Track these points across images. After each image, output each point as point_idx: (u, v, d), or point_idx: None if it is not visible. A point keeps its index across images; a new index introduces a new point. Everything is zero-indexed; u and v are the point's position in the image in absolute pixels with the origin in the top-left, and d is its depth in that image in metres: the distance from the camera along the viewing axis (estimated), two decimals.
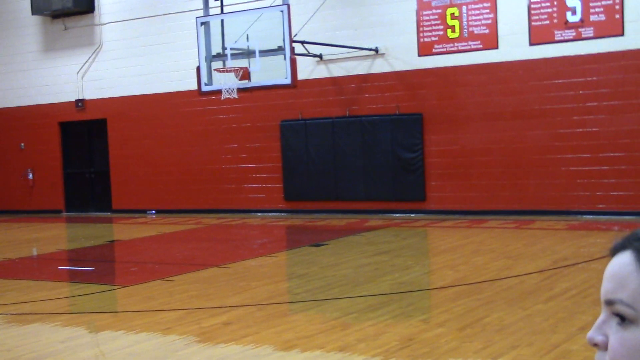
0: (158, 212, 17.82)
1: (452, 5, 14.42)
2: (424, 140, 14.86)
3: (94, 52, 18.55)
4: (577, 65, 13.47)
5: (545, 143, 13.80)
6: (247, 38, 13.41)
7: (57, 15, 18.71)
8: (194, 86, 16.13)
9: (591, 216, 13.39)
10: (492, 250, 10.48)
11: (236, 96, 14.13)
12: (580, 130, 13.52)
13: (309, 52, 15.14)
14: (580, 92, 13.48)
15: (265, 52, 13.27)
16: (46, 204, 19.48)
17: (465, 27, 14.32)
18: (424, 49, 14.74)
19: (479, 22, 14.20)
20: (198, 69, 13.91)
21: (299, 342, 6.06)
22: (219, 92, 14.65)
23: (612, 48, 13.15)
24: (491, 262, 9.43)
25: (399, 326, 6.45)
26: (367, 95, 15.36)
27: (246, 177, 16.80)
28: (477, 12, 14.20)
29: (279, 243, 13.32)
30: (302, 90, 15.69)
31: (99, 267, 11.04)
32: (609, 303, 1.21)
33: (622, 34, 13.05)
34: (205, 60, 14.08)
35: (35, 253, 12.88)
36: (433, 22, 14.61)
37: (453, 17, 14.40)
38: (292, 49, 13.69)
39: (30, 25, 19.34)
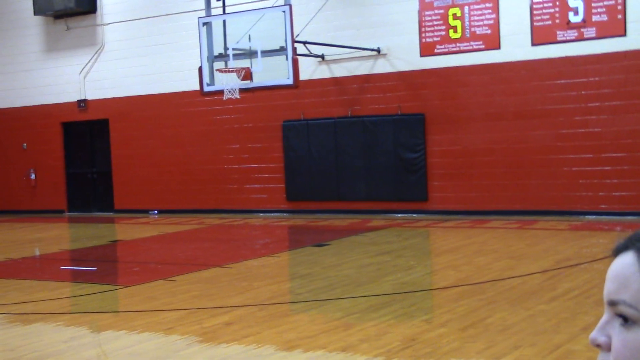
0: (160, 212, 17.83)
1: (454, 6, 14.41)
2: (426, 141, 14.85)
3: (96, 53, 18.56)
4: (579, 65, 13.47)
5: (548, 143, 13.79)
6: (249, 38, 13.42)
7: (60, 15, 18.73)
8: (196, 86, 16.13)
9: (593, 216, 13.38)
10: (494, 250, 10.48)
11: (238, 96, 14.13)
12: (583, 130, 13.51)
13: (311, 53, 15.15)
14: (583, 92, 13.47)
15: (267, 53, 13.28)
16: (48, 204, 19.50)
17: (468, 27, 14.32)
18: (426, 49, 14.74)
19: (481, 23, 14.19)
20: (200, 69, 13.92)
21: (301, 342, 6.07)
22: (221, 92, 14.66)
23: (615, 48, 13.14)
24: (494, 263, 9.43)
25: (401, 326, 6.45)
26: (369, 96, 15.36)
27: (248, 177, 16.81)
28: (479, 12, 14.20)
29: (281, 243, 13.32)
30: (304, 91, 15.69)
31: (102, 267, 11.05)
32: (612, 304, 1.21)
33: (625, 35, 13.04)
34: (208, 61, 14.09)
35: (37, 253, 12.89)
36: (435, 23, 14.60)
37: (455, 17, 14.40)
38: (294, 49, 13.69)
39: (33, 25, 19.35)
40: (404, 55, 14.95)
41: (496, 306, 7.00)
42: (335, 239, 12.35)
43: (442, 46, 14.56)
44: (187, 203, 17.55)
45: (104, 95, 18.49)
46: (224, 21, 13.83)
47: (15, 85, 19.85)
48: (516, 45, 13.94)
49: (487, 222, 13.47)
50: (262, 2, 15.18)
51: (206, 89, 14.64)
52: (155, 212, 17.86)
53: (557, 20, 13.55)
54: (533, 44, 13.79)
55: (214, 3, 13.83)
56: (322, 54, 15.56)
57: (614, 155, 13.31)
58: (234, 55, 13.63)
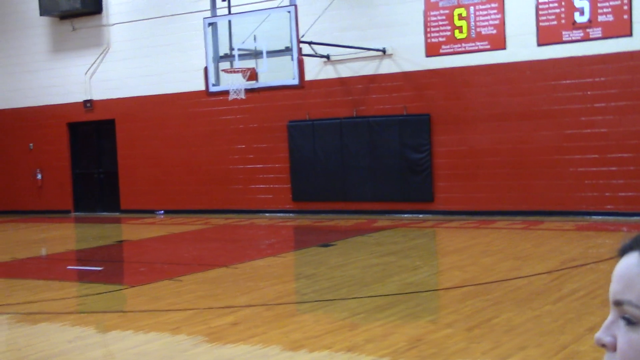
0: (166, 212, 17.86)
1: (459, 6, 14.41)
2: (432, 141, 14.85)
3: (102, 53, 18.60)
4: (585, 65, 13.45)
5: (553, 144, 13.77)
6: (255, 39, 13.43)
7: (65, 16, 18.78)
8: (201, 87, 16.14)
9: (599, 217, 13.36)
10: (500, 250, 10.47)
11: (243, 97, 14.15)
12: (589, 131, 13.49)
13: (316, 53, 15.16)
14: (588, 92, 13.45)
15: (272, 53, 13.29)
16: (55, 204, 19.54)
17: (473, 27, 14.31)
18: (432, 50, 14.73)
19: (486, 23, 14.18)
20: (205, 69, 13.94)
21: (306, 342, 6.07)
22: (226, 92, 14.67)
23: (620, 49, 13.12)
24: (499, 263, 9.42)
25: (407, 327, 6.46)
26: (374, 96, 15.36)
27: (254, 177, 16.82)
28: (485, 12, 14.19)
29: (287, 243, 13.33)
30: (310, 91, 15.70)
31: (108, 267, 11.08)
32: (617, 304, 1.22)
33: (631, 35, 13.02)
34: (213, 61, 14.10)
35: (44, 253, 12.93)
36: (440, 23, 14.60)
37: (460, 17, 14.39)
38: (300, 49, 13.70)
39: (39, 26, 19.40)
40: (409, 56, 14.95)
41: (502, 307, 7.00)
42: (341, 239, 12.36)
43: (448, 46, 14.56)
44: (192, 203, 17.58)
45: (110, 95, 18.53)
46: (229, 21, 13.85)
47: (21, 86, 19.90)
48: (522, 46, 13.92)
49: (493, 223, 13.46)
50: (268, 2, 15.20)
51: (212, 89, 14.65)
52: (162, 212, 17.89)
53: (563, 21, 13.53)
54: (539, 44, 13.78)
55: (219, 3, 13.85)
56: (328, 54, 15.57)
57: (620, 155, 13.29)
58: (240, 55, 13.65)
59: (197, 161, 17.51)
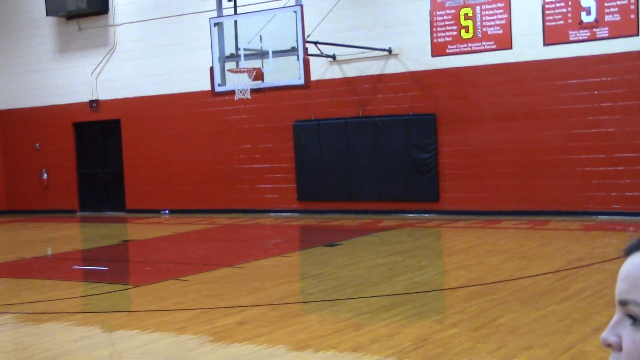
0: (172, 212, 17.88)
1: (465, 6, 14.39)
2: (438, 141, 14.83)
3: (108, 53, 18.63)
4: (591, 65, 13.41)
5: (560, 143, 13.74)
6: (261, 39, 13.43)
7: (72, 16, 18.81)
8: (207, 87, 16.15)
9: (606, 217, 13.32)
10: (506, 250, 10.45)
11: (249, 97, 14.15)
12: (595, 130, 13.46)
13: (322, 53, 15.16)
14: (595, 92, 13.42)
15: (278, 53, 13.29)
16: (61, 204, 19.58)
17: (479, 27, 14.29)
18: (438, 50, 14.71)
19: (492, 23, 14.16)
20: (211, 69, 13.95)
21: (312, 342, 6.07)
22: (232, 92, 14.67)
23: (627, 48, 13.08)
24: (505, 263, 9.41)
25: (412, 326, 6.45)
26: (380, 96, 15.35)
27: (259, 177, 16.82)
28: (491, 12, 14.16)
29: (293, 243, 13.33)
30: (315, 91, 15.71)
31: (113, 267, 11.09)
32: (623, 304, 1.21)
33: (637, 34, 12.98)
34: (219, 61, 14.11)
35: (49, 253, 12.95)
36: (447, 23, 14.58)
37: (467, 17, 14.37)
38: (306, 49, 13.69)
39: (45, 26, 19.44)
40: (415, 56, 14.93)
41: (508, 306, 6.99)
42: (347, 239, 12.35)
43: (454, 46, 14.54)
44: (198, 203, 17.59)
45: (116, 95, 18.56)
46: (235, 21, 13.85)
47: (27, 86, 19.95)
48: (528, 45, 13.90)
49: (499, 223, 13.44)
50: (274, 2, 15.20)
51: (217, 89, 14.65)
52: (167, 211, 17.91)
53: (569, 20, 13.50)
54: (545, 44, 13.75)
55: (225, 3, 13.85)
56: (334, 54, 15.56)
57: (626, 155, 13.25)
58: (245, 55, 13.64)
59: (203, 161, 17.52)
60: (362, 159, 15.47)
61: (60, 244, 14.19)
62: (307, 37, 13.90)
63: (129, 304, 8.39)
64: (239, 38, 13.83)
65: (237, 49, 13.86)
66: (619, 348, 1.20)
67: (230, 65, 13.92)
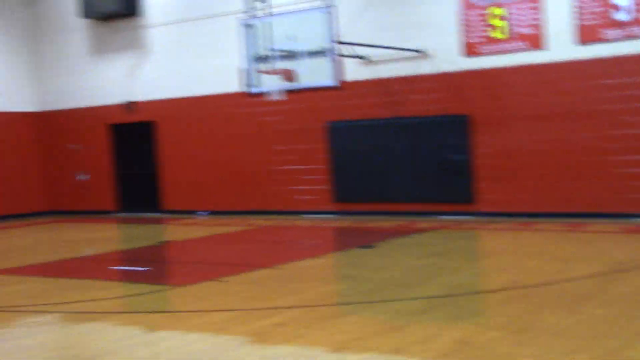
0: (208, 213, 17.98)
1: (497, 5, 14.32)
2: (472, 142, 14.77)
3: (141, 55, 18.81)
4: (627, 65, 13.28)
5: (595, 144, 13.62)
6: (292, 40, 13.50)
7: (106, 18, 19.02)
8: (240, 88, 16.30)
9: None
10: (543, 252, 10.39)
11: (282, 98, 14.24)
12: (632, 131, 13.32)
13: (354, 54, 15.17)
14: (631, 92, 13.28)
15: (310, 54, 13.34)
16: (98, 204, 19.81)
17: (511, 27, 14.21)
18: (470, 50, 14.66)
19: (525, 22, 14.08)
20: (243, 70, 14.03)
21: (351, 344, 6.09)
22: (264, 94, 14.77)
23: None
24: (544, 265, 9.35)
25: (452, 329, 6.44)
26: (412, 97, 15.32)
27: (294, 178, 16.87)
28: (523, 12, 14.08)
29: (328, 245, 13.36)
30: (348, 92, 15.73)
31: (153, 268, 11.20)
32: None
33: None
34: (251, 62, 14.19)
35: (89, 253, 13.10)
36: (478, 23, 14.52)
37: (499, 17, 14.30)
38: (337, 50, 13.72)
39: (79, 28, 19.68)
40: (447, 56, 14.89)
41: (548, 310, 6.95)
42: (382, 240, 12.35)
43: (486, 47, 14.48)
44: (234, 204, 17.69)
45: (150, 97, 18.73)
46: (267, 23, 13.92)
47: (63, 88, 20.21)
48: (561, 45, 13.80)
49: (535, 224, 13.35)
50: (305, 3, 15.24)
51: (249, 90, 14.75)
52: (204, 212, 18.01)
53: (604, 19, 13.38)
54: (579, 44, 13.64)
55: (257, 5, 13.93)
56: (365, 55, 15.56)
57: None
58: (277, 56, 13.71)
59: (238, 162, 17.62)
60: (396, 160, 15.46)
61: (100, 244, 14.35)
62: (339, 38, 13.93)
63: (169, 305, 8.47)
64: (270, 39, 13.90)
65: (268, 50, 13.93)
66: None
67: (263, 66, 13.99)
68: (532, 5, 14.02)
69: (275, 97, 14.65)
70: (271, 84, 14.57)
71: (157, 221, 17.67)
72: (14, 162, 20.10)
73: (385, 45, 15.06)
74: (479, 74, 14.64)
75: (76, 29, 19.74)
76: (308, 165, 16.68)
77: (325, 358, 5.81)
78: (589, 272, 8.67)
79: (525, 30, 14.11)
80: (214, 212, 17.87)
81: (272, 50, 14.06)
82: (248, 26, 14.08)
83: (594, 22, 13.48)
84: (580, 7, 13.58)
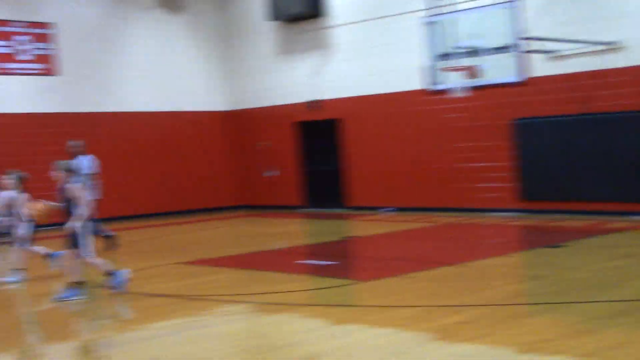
0: (392, 209, 18.11)
1: None
2: None
3: (326, 54, 19.24)
4: None
5: None
6: (474, 36, 13.33)
7: (292, 20, 19.63)
8: (422, 85, 16.29)
9: None
10: None
11: (465, 95, 14.06)
12: None
13: (539, 49, 14.69)
14: None
15: (494, 50, 13.10)
16: (285, 200, 20.50)
17: None
18: None
19: None
20: (426, 68, 14.01)
21: (540, 346, 5.93)
22: (448, 91, 14.67)
23: None
24: None
25: None
26: (603, 92, 14.61)
27: (477, 176, 16.63)
28: None
29: (514, 243, 13.04)
30: (534, 88, 15.28)
31: (338, 262, 11.44)
32: None
33: None
34: (433, 60, 14.15)
35: (278, 247, 13.58)
36: None
37: None
38: (522, 45, 13.37)
39: (267, 31, 20.43)
40: None
41: None
42: (571, 240, 11.89)
43: None
44: (417, 201, 17.69)
45: (335, 95, 19.12)
46: (448, 20, 13.81)
47: (251, 88, 21.09)
48: None
49: None
50: None
51: (432, 87, 14.72)
52: (388, 209, 18.16)
53: None
54: None
55: (437, 2, 13.86)
56: (552, 50, 15.00)
57: None
58: (459, 53, 13.59)
59: (421, 159, 17.60)
60: (586, 158, 14.82)
61: (287, 238, 14.87)
62: (523, 32, 13.56)
63: (354, 299, 8.64)
64: (452, 36, 13.80)
65: (450, 47, 13.82)
66: None
67: (445, 63, 13.91)
68: None
69: (459, 94, 14.51)
70: (455, 81, 14.45)
71: (342, 217, 18.02)
72: (207, 159, 21.22)
73: (573, 39, 14.46)
74: None
75: (264, 31, 20.53)
76: (492, 163, 16.37)
77: (515, 359, 5.71)
78: None
79: None
80: (397, 209, 17.97)
81: (456, 47, 13.94)
82: (431, 24, 14.06)
83: None
84: None
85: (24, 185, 10.47)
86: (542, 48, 14.75)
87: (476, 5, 14.42)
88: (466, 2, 14.95)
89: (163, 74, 20.47)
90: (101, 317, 8.33)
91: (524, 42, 13.60)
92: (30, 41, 18.36)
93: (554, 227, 13.80)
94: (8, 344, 7.16)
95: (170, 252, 13.08)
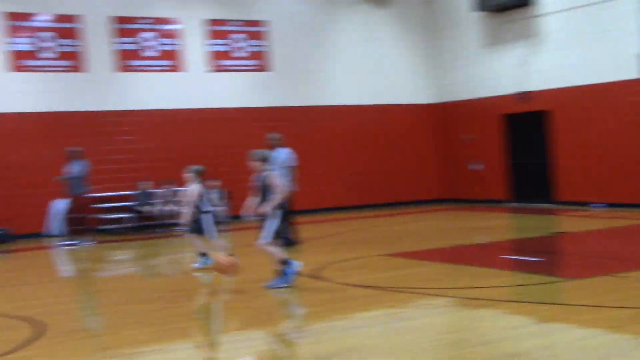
0: (604, 205, 17.23)
1: None
2: None
3: (535, 44, 18.61)
4: None
5: None
6: None
7: (499, 9, 19.20)
8: (638, 74, 15.31)
9: None
10: None
11: None
12: None
13: None
14: None
15: None
16: (490, 194, 20.13)
17: None
18: None
19: None
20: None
21: None
22: None
23: None
24: None
25: None
26: None
27: None
28: None
29: None
30: None
31: (544, 258, 11.06)
32: None
33: None
34: None
35: (481, 241, 13.35)
36: None
37: None
38: None
39: (474, 21, 20.10)
40: None
41: None
42: None
43: None
44: (630, 197, 16.71)
45: (545, 86, 18.48)
46: None
47: (458, 80, 20.86)
48: None
49: None
50: None
51: None
52: (599, 204, 17.30)
53: None
54: None
55: None
56: None
57: None
58: None
59: (635, 153, 16.60)
60: None
61: (491, 233, 14.59)
62: None
63: (561, 297, 8.30)
64: None
65: None
66: None
67: None
68: None
69: None
70: None
71: (549, 212, 17.39)
72: (412, 152, 21.28)
73: None
74: None
75: (470, 22, 20.21)
76: None
77: None
78: None
79: None
80: (609, 204, 17.05)
81: None
82: None
83: None
84: None
85: (202, 177, 11.02)
86: None
87: None
88: None
89: (369, 68, 20.76)
90: (301, 305, 8.54)
91: None
92: (245, 39, 19.30)
93: None
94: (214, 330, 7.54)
95: (375, 243, 13.24)
